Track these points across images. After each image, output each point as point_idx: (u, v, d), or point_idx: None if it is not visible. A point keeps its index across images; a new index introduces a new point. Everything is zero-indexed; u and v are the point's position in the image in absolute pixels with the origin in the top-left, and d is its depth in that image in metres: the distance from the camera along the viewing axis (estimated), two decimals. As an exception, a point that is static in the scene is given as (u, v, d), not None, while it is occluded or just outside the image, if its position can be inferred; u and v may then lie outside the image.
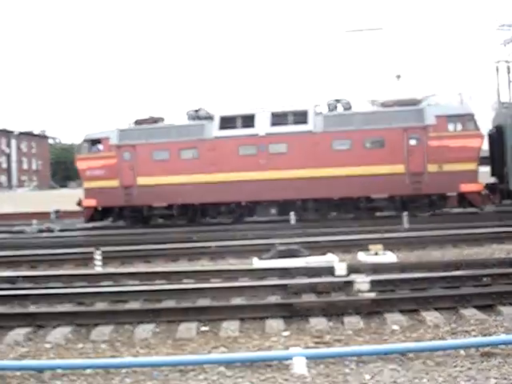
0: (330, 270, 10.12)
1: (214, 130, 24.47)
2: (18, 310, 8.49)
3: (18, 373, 5.75)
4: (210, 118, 25.02)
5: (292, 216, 22.28)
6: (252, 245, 14.89)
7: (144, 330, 7.18)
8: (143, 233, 20.68)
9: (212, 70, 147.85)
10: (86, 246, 15.79)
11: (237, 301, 8.62)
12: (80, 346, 6.83)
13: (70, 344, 6.91)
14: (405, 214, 19.69)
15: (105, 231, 22.42)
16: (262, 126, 24.18)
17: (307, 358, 5.68)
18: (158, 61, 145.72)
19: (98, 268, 12.52)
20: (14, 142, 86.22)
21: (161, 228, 22.81)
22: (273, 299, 8.64)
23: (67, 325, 7.47)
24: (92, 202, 25.39)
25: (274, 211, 24.31)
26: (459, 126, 23.12)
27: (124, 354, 6.44)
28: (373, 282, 8.71)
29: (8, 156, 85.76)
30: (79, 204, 25.74)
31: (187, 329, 7.19)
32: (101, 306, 8.58)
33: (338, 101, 24.84)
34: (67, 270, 12.93)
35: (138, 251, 14.66)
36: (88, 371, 5.73)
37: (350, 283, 8.83)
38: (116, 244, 15.93)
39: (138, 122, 26.24)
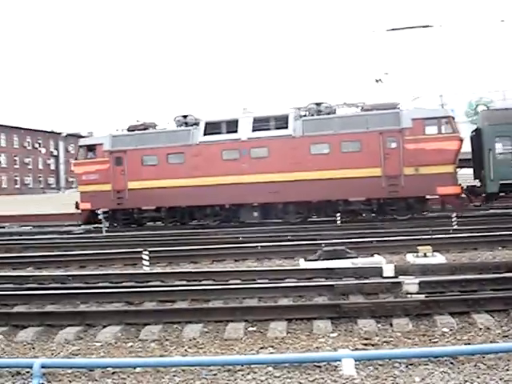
0: (377, 272, 10.03)
1: (199, 136, 25.41)
2: (68, 308, 8.66)
3: (70, 371, 5.84)
4: (196, 124, 26.02)
5: (338, 217, 22.24)
6: (298, 245, 14.87)
7: (192, 330, 7.22)
8: (190, 233, 20.88)
9: (212, 73, 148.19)
10: (134, 246, 16.06)
11: (284, 301, 8.61)
12: (129, 344, 6.92)
13: (120, 343, 7.01)
14: (453, 214, 19.39)
15: (152, 232, 22.68)
16: (244, 131, 24.86)
17: (356, 360, 5.62)
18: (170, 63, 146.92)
19: (146, 268, 12.67)
20: (61, 144, 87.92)
21: (206, 229, 22.96)
22: (320, 300, 8.60)
23: (116, 324, 7.57)
24: (87, 206, 26.59)
25: (256, 214, 24.96)
26: (436, 129, 23.09)
27: (173, 353, 6.50)
28: (422, 284, 8.57)
29: (56, 158, 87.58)
30: (77, 207, 27.02)
31: (235, 329, 7.21)
32: (149, 305, 8.68)
33: (318, 105, 25.08)
34: (115, 270, 13.11)
35: (185, 251, 14.80)
36: (138, 370, 5.79)
37: (398, 285, 8.72)
38: (163, 245, 16.12)
39: (129, 129, 27.23)
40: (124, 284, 10.47)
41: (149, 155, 26.18)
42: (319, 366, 5.76)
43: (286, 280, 10.22)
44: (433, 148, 22.55)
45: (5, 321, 7.93)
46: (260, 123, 25.04)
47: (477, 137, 23.41)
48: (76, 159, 28.72)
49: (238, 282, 10.24)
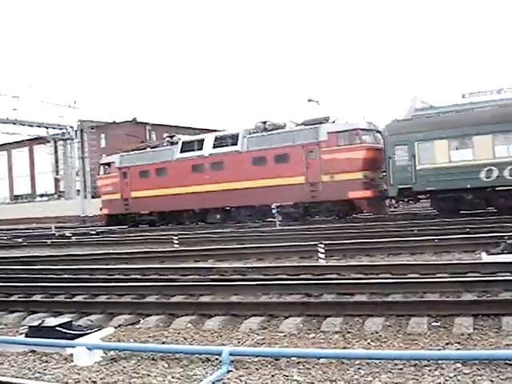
0: None
1: (176, 153, 31.97)
2: (250, 299, 8.95)
3: (256, 359, 6.02)
4: (176, 143, 32.57)
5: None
6: (478, 238, 14.18)
7: (374, 323, 7.14)
8: (364, 226, 20.74)
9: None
10: (308, 239, 16.27)
11: (467, 296, 8.22)
12: (312, 335, 7.00)
13: (302, 333, 7.11)
14: None
15: (325, 225, 22.85)
16: (207, 148, 30.83)
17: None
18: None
19: (322, 261, 12.77)
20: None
21: (379, 222, 22.69)
22: (507, 295, 8.10)
23: (298, 315, 7.69)
24: (106, 210, 35.43)
25: (218, 216, 30.56)
26: (346, 141, 26.40)
27: (355, 346, 6.47)
28: None
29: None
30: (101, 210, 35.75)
31: (417, 323, 7.01)
32: (328, 297, 8.72)
33: (264, 123, 29.65)
34: (292, 263, 13.35)
35: (360, 244, 14.70)
36: (322, 361, 5.82)
37: None
38: (337, 238, 16.15)
39: (133, 149, 35.51)
40: (301, 276, 10.61)
41: (144, 170, 33.38)
42: (511, 365, 5.43)
43: (468, 274, 9.78)
44: (344, 157, 26.14)
45: (192, 310, 8.39)
46: (219, 141, 30.73)
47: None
48: (98, 174, 37.34)
49: (417, 275, 9.95)
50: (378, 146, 26.39)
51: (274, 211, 25.63)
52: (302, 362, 5.85)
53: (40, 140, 64.08)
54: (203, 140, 31.44)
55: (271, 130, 29.05)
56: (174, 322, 8.10)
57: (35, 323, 7.41)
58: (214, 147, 30.56)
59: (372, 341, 6.63)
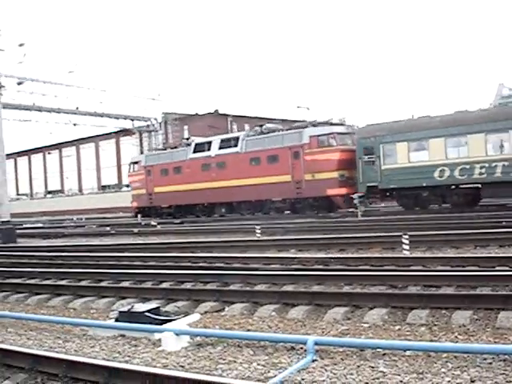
0: None
1: (190, 154, 35.83)
2: (333, 289, 8.93)
3: (341, 349, 6.01)
4: (190, 144, 36.50)
5: None
6: None
7: (461, 316, 6.97)
8: (449, 217, 20.23)
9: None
10: (391, 230, 16.04)
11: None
12: (397, 327, 6.92)
13: (387, 325, 7.04)
14: None
15: (409, 216, 22.45)
16: (214, 150, 34.45)
17: None
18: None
19: (406, 252, 12.56)
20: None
21: (467, 213, 22.02)
22: None
23: (382, 306, 7.61)
24: (135, 204, 39.96)
25: (223, 210, 34.44)
26: (324, 143, 29.14)
27: (442, 339, 6.34)
28: None
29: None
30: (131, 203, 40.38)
31: (507, 318, 6.78)
32: (413, 289, 8.58)
33: (261, 126, 33.98)
34: (375, 254, 13.19)
35: (446, 235, 14.34)
36: (408, 353, 5.75)
37: None
38: (422, 229, 15.83)
39: (155, 149, 41.71)
40: (385, 267, 10.48)
41: (164, 168, 37.43)
42: None
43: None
44: (322, 158, 28.83)
45: (276, 299, 8.46)
46: (224, 143, 34.25)
47: None
48: (129, 172, 41.87)
49: (506, 268, 9.63)
50: (353, 147, 28.65)
51: (355, 201, 25.41)
52: (388, 353, 5.80)
53: (126, 132, 65.88)
54: (211, 142, 35.39)
55: (266, 133, 32.71)
56: (258, 310, 8.20)
57: (125, 308, 7.67)
58: (219, 148, 34.35)
59: (460, 334, 6.48)
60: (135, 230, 26.84)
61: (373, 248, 14.10)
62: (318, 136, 29.45)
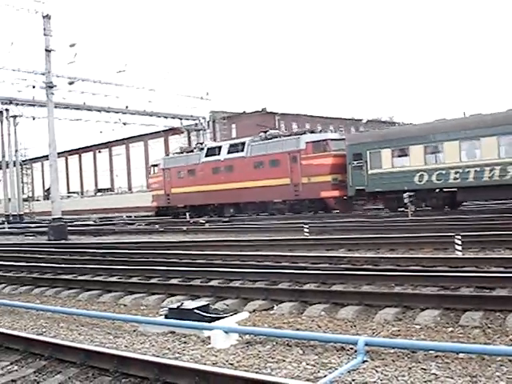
0: None
1: (202, 157, 38.86)
2: (383, 290, 8.79)
3: (392, 350, 5.91)
4: (203, 148, 39.69)
5: None
6: None
7: (517, 319, 6.78)
8: (502, 218, 19.73)
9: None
10: (443, 230, 15.74)
11: None
12: (450, 329, 6.76)
13: (440, 327, 6.88)
14: None
15: (461, 216, 22.02)
16: (223, 154, 37.32)
17: None
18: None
19: (458, 253, 12.29)
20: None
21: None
22: None
23: (434, 308, 7.45)
24: (155, 203, 43.42)
25: (231, 210, 36.78)
26: (318, 149, 31.59)
27: (497, 342, 6.17)
28: None
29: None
30: (152, 203, 43.83)
31: None
32: (466, 291, 8.38)
33: (265, 132, 36.54)
34: (426, 254, 12.95)
35: (499, 236, 13.99)
36: (461, 355, 5.60)
37: None
38: (475, 230, 15.48)
39: (172, 152, 44.68)
40: (437, 268, 10.26)
41: (180, 171, 40.48)
42: None
43: None
44: (317, 163, 31.33)
45: (325, 298, 8.38)
46: (232, 147, 37.11)
47: None
48: (149, 174, 46.24)
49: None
50: (345, 153, 30.78)
51: (405, 200, 25.06)
52: (441, 355, 5.67)
53: (174, 131, 66.53)
54: (221, 147, 38.57)
55: (270, 139, 35.23)
56: (307, 310, 8.13)
57: (174, 305, 7.72)
58: (227, 153, 37.13)
59: (515, 337, 6.29)
60: (184, 228, 27.09)
61: (424, 248, 13.85)
62: (313, 142, 32.10)
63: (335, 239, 16.40)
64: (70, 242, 25.97)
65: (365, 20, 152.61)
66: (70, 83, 44.15)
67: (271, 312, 8.34)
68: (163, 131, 71.99)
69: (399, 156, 28.88)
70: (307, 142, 32.19)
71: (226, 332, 6.61)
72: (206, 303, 7.71)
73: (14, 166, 55.91)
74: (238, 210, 36.35)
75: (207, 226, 28.40)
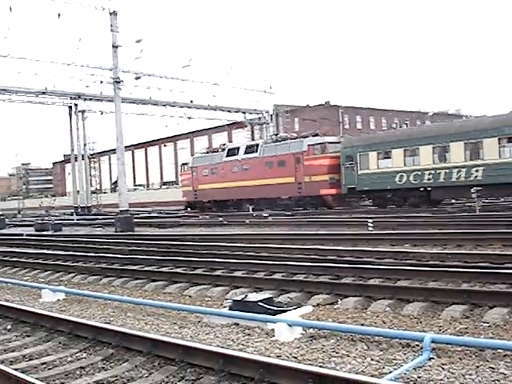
0: None
1: (224, 157, 42.73)
2: (451, 286, 8.61)
3: (459, 348, 5.78)
4: (224, 149, 43.59)
5: None
6: None
7: None
8: None
9: None
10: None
11: None
12: (520, 328, 6.58)
13: (509, 325, 6.69)
14: None
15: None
16: (241, 154, 41.26)
17: None
18: None
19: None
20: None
21: None
22: None
23: (503, 306, 7.24)
24: (185, 198, 47.82)
25: (248, 206, 39.10)
26: (318, 151, 35.11)
27: None
28: None
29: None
30: (182, 198, 48.41)
31: None
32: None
33: (276, 135, 42.28)
34: (495, 250, 12.60)
35: None
36: (534, 356, 5.45)
37: None
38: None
39: (202, 152, 48.19)
40: (506, 265, 9.97)
41: (205, 169, 44.41)
42: None
43: None
44: (317, 164, 34.89)
45: (390, 294, 8.26)
46: (248, 148, 41.07)
47: None
48: (180, 171, 51.44)
49: None
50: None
51: (473, 195, 24.47)
52: (510, 355, 5.52)
53: (238, 124, 66.98)
54: (239, 147, 42.47)
55: (280, 141, 39.06)
56: (372, 305, 8.05)
57: (238, 298, 7.79)
58: (244, 153, 41.04)
59: None
60: (247, 221, 27.25)
61: (492, 244, 13.48)
62: (314, 145, 35.61)
63: (400, 234, 16.17)
64: (136, 233, 26.53)
65: (431, 11, 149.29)
66: (137, 78, 44.95)
67: (335, 306, 8.30)
68: (227, 125, 72.63)
69: (384, 158, 32.16)
70: (309, 145, 35.79)
71: (289, 325, 6.62)
72: (269, 296, 7.75)
73: (83, 159, 57.41)
74: (253, 205, 39.14)
75: (270, 219, 28.48)
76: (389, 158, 31.73)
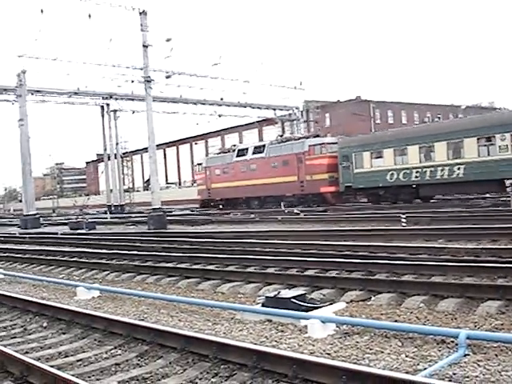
0: None
1: (234, 157, 45.20)
2: (486, 282, 8.49)
3: (495, 344, 5.70)
4: (234, 150, 46.10)
5: None
6: None
7: None
8: None
9: None
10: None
11: None
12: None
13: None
14: None
15: None
16: (249, 154, 43.80)
17: None
18: None
19: None
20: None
21: None
22: None
23: (541, 301, 7.13)
24: (199, 196, 50.13)
25: (256, 203, 42.31)
26: (318, 151, 37.78)
27: None
28: None
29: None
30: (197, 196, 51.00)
31: None
32: None
33: (281, 136, 46.22)
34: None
35: None
36: None
37: None
38: None
39: (216, 153, 51.24)
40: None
41: (217, 169, 46.75)
42: None
43: None
44: (317, 163, 37.49)
45: (425, 290, 8.18)
46: (255, 149, 43.64)
47: None
48: (195, 171, 55.50)
49: None
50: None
51: (508, 189, 24.13)
52: (546, 351, 5.43)
53: (268, 121, 66.89)
54: (248, 148, 45.10)
55: (284, 142, 41.82)
56: (406, 301, 7.98)
57: (271, 294, 7.79)
58: (252, 153, 43.56)
59: None
60: (279, 218, 27.24)
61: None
62: (314, 145, 38.23)
63: (433, 229, 16.01)
64: (168, 231, 26.73)
65: (464, 2, 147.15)
66: (167, 77, 45.16)
67: (368, 303, 8.25)
68: (257, 122, 72.58)
69: (376, 158, 34.66)
70: (310, 145, 38.33)
71: (323, 322, 6.60)
72: (302, 292, 7.74)
73: (115, 158, 58.00)
74: (260, 203, 42.24)
75: (302, 215, 28.42)
76: (381, 157, 34.30)
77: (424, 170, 31.35)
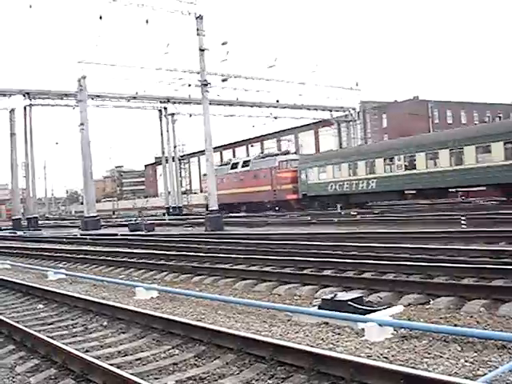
0: None
1: (228, 169, 54.63)
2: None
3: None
4: (229, 163, 56.11)
5: None
6: None
7: None
8: None
9: None
10: None
11: None
12: None
13: None
14: None
15: None
16: (239, 167, 53.56)
17: None
18: None
19: None
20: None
21: None
22: None
23: None
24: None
25: (244, 208, 51.96)
26: (284, 166, 48.24)
27: None
28: None
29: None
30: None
31: None
32: None
33: (262, 153, 61.42)
34: None
35: None
36: None
37: None
38: None
39: (217, 165, 55.47)
40: None
41: (220, 178, 49.07)
42: None
43: None
44: (284, 176, 47.42)
45: (485, 294, 7.99)
46: (244, 163, 53.24)
47: None
48: (203, 180, 64.88)
49: None
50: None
51: None
52: None
53: (324, 123, 66.65)
54: (238, 162, 54.63)
55: (264, 157, 51.86)
56: (466, 305, 7.81)
57: (328, 296, 7.76)
58: (242, 167, 53.02)
59: None
60: (335, 220, 27.09)
61: None
62: (282, 161, 48.47)
63: (495, 232, 15.62)
64: (225, 232, 26.92)
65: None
66: (223, 80, 45.65)
67: (427, 306, 8.10)
68: (313, 123, 72.39)
69: (322, 172, 43.80)
70: (280, 161, 48.57)
71: (380, 325, 6.53)
72: (359, 295, 7.68)
73: (173, 161, 58.88)
74: (247, 207, 51.53)
75: (358, 217, 28.18)
76: (325, 172, 43.56)
77: (351, 182, 40.79)
